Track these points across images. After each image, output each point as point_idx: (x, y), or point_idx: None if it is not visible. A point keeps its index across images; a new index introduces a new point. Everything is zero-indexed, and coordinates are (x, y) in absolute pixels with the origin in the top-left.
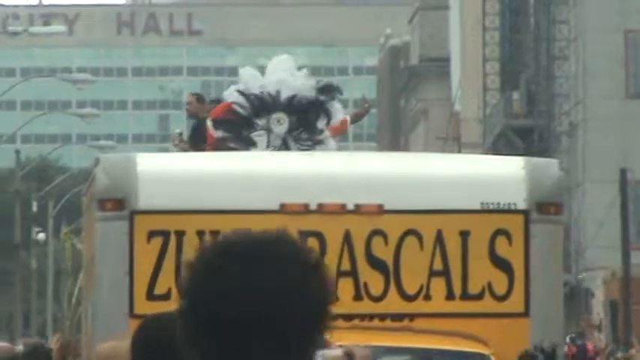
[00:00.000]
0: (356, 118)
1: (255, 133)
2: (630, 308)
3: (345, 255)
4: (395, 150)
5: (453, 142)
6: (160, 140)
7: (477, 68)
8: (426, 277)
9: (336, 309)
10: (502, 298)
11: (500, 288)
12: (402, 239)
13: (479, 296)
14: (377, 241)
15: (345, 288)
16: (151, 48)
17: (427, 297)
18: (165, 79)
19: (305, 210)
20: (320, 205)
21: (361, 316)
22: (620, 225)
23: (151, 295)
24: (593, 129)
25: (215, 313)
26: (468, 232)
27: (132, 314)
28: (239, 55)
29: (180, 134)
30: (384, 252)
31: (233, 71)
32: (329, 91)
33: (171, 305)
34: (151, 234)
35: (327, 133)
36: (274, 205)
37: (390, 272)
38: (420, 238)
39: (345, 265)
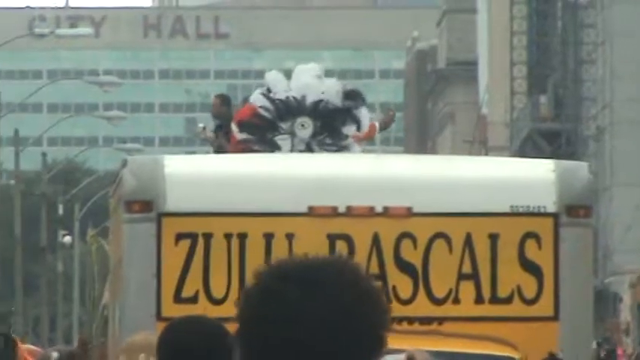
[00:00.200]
0: (385, 126)
1: (279, 136)
2: None
3: (374, 258)
4: (422, 153)
5: (479, 145)
6: (186, 143)
7: (505, 72)
8: (454, 280)
9: None
10: (531, 302)
11: (530, 292)
12: (430, 242)
13: (508, 300)
14: (406, 244)
15: None
16: (177, 51)
17: (456, 300)
18: (192, 82)
19: (333, 213)
20: (348, 208)
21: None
22: None
23: (178, 298)
24: (620, 133)
25: (272, 338)
26: (498, 235)
27: (159, 317)
28: (266, 59)
29: (204, 128)
30: (412, 255)
31: (260, 74)
32: (354, 97)
33: (199, 308)
34: (179, 236)
35: (351, 139)
36: (302, 208)
37: (418, 275)
38: (449, 241)
39: (374, 269)
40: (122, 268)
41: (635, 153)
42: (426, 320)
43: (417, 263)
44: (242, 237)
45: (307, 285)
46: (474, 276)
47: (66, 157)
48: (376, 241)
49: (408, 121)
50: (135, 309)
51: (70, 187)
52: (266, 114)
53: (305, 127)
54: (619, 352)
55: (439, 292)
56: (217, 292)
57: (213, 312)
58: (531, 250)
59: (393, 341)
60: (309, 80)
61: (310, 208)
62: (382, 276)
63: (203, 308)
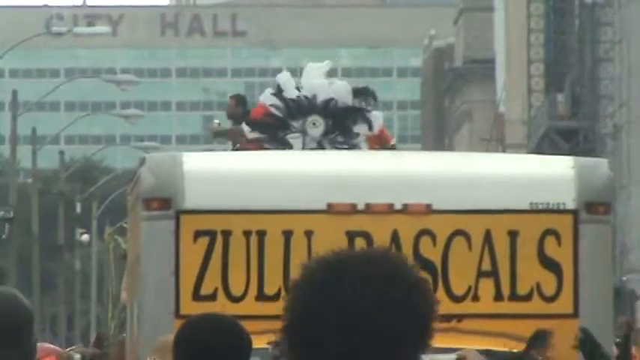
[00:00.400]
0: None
1: (291, 135)
2: None
3: None
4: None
5: (496, 143)
6: (204, 141)
7: (522, 70)
8: (474, 277)
9: None
10: (551, 299)
11: (549, 289)
12: (450, 239)
13: (527, 297)
14: (425, 241)
15: None
16: (194, 49)
17: (475, 298)
18: (209, 81)
19: (352, 210)
20: (367, 205)
21: None
22: None
23: (197, 296)
24: (638, 130)
25: (320, 331)
26: (517, 232)
27: (178, 315)
28: (283, 57)
29: (219, 124)
30: (431, 252)
31: (277, 72)
32: (364, 93)
33: (218, 306)
34: (197, 234)
35: (362, 137)
36: (321, 205)
37: (438, 273)
38: (468, 238)
39: None
40: (140, 266)
41: None
42: (445, 317)
43: (437, 260)
44: (261, 234)
45: (358, 278)
46: (494, 273)
47: (83, 155)
48: (395, 238)
49: (425, 119)
50: (153, 306)
51: (88, 185)
52: (277, 112)
53: (316, 126)
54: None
55: (458, 290)
56: (236, 289)
57: (232, 309)
58: (551, 247)
59: None
60: (319, 80)
61: (329, 206)
62: None
63: (222, 306)
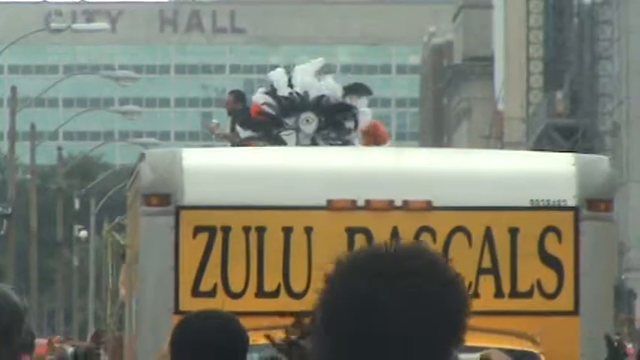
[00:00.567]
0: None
1: (284, 132)
2: None
3: None
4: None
5: (495, 140)
6: (202, 138)
7: (521, 67)
8: (474, 274)
9: None
10: (551, 296)
11: (550, 286)
12: (450, 236)
13: (528, 294)
14: (425, 237)
15: None
16: (193, 46)
17: (476, 295)
18: (208, 77)
19: (352, 206)
20: (367, 202)
21: None
22: None
23: (196, 292)
24: (636, 128)
25: (353, 328)
26: (517, 229)
27: (177, 311)
28: (282, 54)
29: (218, 124)
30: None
31: (276, 69)
32: (357, 90)
33: (217, 302)
34: (197, 229)
35: (354, 133)
36: (321, 202)
37: None
38: (468, 235)
39: None
40: (140, 262)
41: None
42: None
43: None
44: (260, 230)
45: (385, 274)
46: (494, 270)
47: (82, 151)
48: (395, 235)
49: (423, 117)
50: (152, 302)
51: (86, 181)
52: (270, 110)
53: (309, 122)
54: (630, 350)
55: None
56: (235, 285)
57: (232, 306)
58: (551, 244)
59: None
60: (310, 78)
61: (329, 202)
62: None
63: (221, 302)
